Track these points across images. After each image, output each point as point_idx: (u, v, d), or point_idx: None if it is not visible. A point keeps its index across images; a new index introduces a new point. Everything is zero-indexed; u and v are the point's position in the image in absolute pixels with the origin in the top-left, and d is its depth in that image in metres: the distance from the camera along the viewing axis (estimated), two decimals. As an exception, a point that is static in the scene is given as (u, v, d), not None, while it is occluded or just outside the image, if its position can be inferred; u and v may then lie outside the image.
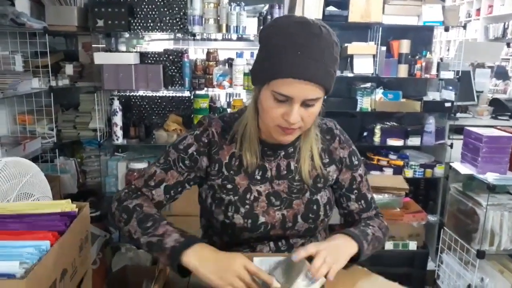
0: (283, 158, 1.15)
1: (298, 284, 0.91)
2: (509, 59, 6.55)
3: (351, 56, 2.84)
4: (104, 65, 2.66)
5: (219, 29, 2.69)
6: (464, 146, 2.26)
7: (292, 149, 1.16)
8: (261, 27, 1.53)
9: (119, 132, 2.78)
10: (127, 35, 3.02)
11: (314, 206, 1.15)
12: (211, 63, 2.82)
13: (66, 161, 2.87)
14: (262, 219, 1.12)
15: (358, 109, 2.93)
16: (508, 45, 6.34)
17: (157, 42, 3.32)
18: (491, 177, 2.04)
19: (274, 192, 1.14)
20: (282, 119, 1.01)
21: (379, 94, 2.92)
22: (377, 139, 2.98)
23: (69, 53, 3.00)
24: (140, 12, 2.72)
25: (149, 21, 2.73)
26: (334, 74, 1.01)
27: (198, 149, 1.13)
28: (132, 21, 2.72)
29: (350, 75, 2.87)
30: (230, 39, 3.09)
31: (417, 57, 2.88)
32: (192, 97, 2.90)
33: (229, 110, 2.96)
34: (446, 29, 2.87)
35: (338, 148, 1.20)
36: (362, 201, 1.22)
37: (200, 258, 0.93)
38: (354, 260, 1.06)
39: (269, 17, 2.71)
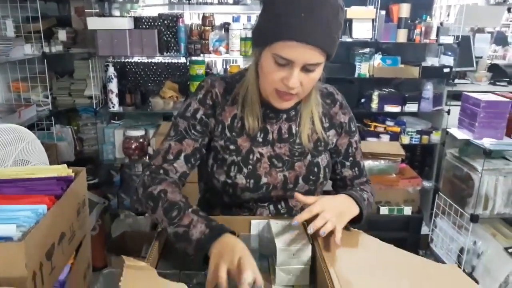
0: (284, 121, 1.15)
1: (284, 250, 0.92)
2: (509, 24, 6.44)
3: (350, 21, 2.78)
4: (98, 30, 2.60)
5: (215, -8, 2.64)
6: (462, 112, 2.25)
7: (293, 112, 1.15)
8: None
9: (115, 99, 2.76)
10: (120, -1, 2.95)
11: (315, 168, 1.16)
12: (207, 28, 2.77)
13: (63, 129, 2.86)
14: (264, 179, 1.12)
15: (356, 75, 2.90)
16: (509, 10, 6.21)
17: (151, 7, 3.25)
18: (487, 142, 2.05)
19: (276, 154, 1.14)
20: (281, 83, 1.00)
21: (377, 59, 2.88)
22: (374, 105, 2.96)
23: (61, 19, 2.94)
24: (133, -25, 2.65)
25: (143, -16, 2.67)
26: (337, 39, 0.99)
27: (206, 112, 1.13)
28: (125, -16, 2.66)
29: (349, 40, 2.83)
30: (227, 3, 3.03)
31: (416, 21, 2.83)
32: (188, 63, 2.86)
33: (226, 76, 2.93)
34: (447, -8, 2.81)
35: (339, 112, 1.20)
36: (356, 169, 1.24)
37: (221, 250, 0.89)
38: (352, 223, 1.07)
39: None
